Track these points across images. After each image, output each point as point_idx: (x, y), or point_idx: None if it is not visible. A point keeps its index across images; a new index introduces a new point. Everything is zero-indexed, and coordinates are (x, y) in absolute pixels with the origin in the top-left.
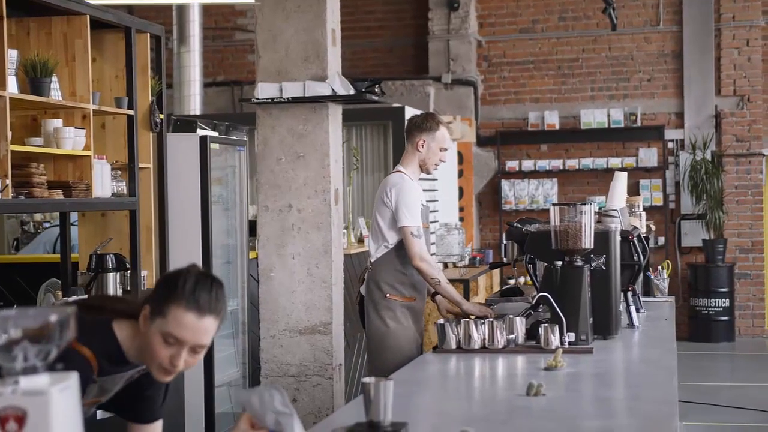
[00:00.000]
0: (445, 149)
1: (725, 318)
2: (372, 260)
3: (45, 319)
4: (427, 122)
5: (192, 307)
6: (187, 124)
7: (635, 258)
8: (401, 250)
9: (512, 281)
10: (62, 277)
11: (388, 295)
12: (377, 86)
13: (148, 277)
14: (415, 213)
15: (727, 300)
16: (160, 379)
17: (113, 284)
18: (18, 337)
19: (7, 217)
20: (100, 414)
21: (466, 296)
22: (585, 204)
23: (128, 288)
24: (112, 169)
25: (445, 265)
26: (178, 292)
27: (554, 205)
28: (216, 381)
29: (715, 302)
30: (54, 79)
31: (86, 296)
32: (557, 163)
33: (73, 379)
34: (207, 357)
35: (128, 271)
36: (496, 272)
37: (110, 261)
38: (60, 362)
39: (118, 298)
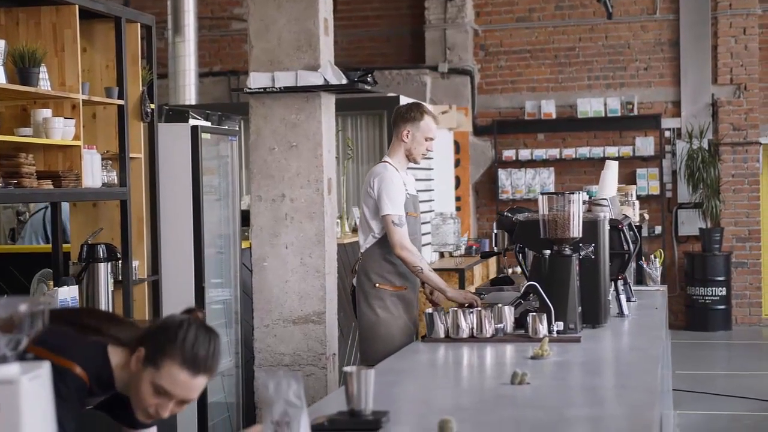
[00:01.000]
0: (431, 138)
1: (722, 307)
2: (362, 251)
3: (14, 309)
4: (411, 112)
5: (188, 366)
6: (179, 114)
7: (625, 247)
8: (388, 239)
9: (509, 270)
10: (54, 267)
11: (377, 284)
12: (369, 75)
13: (140, 267)
14: (397, 202)
15: (724, 289)
16: (142, 421)
17: (104, 274)
18: None
19: (3, 208)
20: None
21: (461, 286)
22: (573, 193)
23: (119, 278)
24: (103, 159)
25: (441, 255)
26: (176, 345)
27: (543, 194)
28: None
29: (712, 291)
30: (43, 69)
31: (85, 308)
32: (554, 153)
33: (44, 368)
34: None
35: (119, 261)
36: (492, 262)
37: (101, 251)
38: (56, 381)
39: (116, 321)
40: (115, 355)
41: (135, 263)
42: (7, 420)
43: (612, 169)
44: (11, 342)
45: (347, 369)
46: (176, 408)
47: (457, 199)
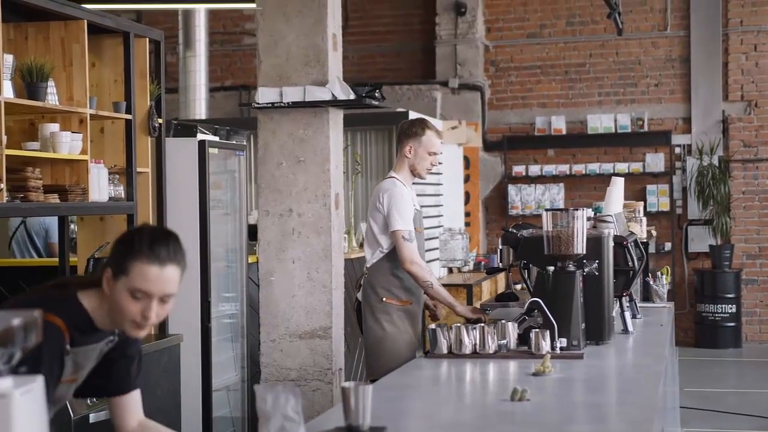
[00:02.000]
0: (434, 153)
1: (732, 324)
2: (368, 265)
3: (8, 323)
4: (413, 128)
5: (153, 259)
6: (187, 129)
7: (630, 264)
8: (396, 254)
9: (518, 286)
10: None
11: (384, 299)
12: (377, 91)
13: None
14: (407, 217)
15: (734, 306)
16: (135, 335)
17: None
18: None
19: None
20: (94, 417)
21: (469, 301)
22: (577, 209)
23: None
24: (110, 174)
25: (450, 270)
26: (135, 248)
27: (547, 210)
28: (214, 385)
29: (722, 308)
30: (50, 83)
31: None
32: (564, 168)
33: (36, 382)
34: (205, 360)
35: None
36: (501, 277)
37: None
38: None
39: (79, 275)
40: (87, 299)
41: None
42: None
43: (618, 186)
44: (4, 356)
45: (345, 384)
46: (161, 309)
47: (467, 214)
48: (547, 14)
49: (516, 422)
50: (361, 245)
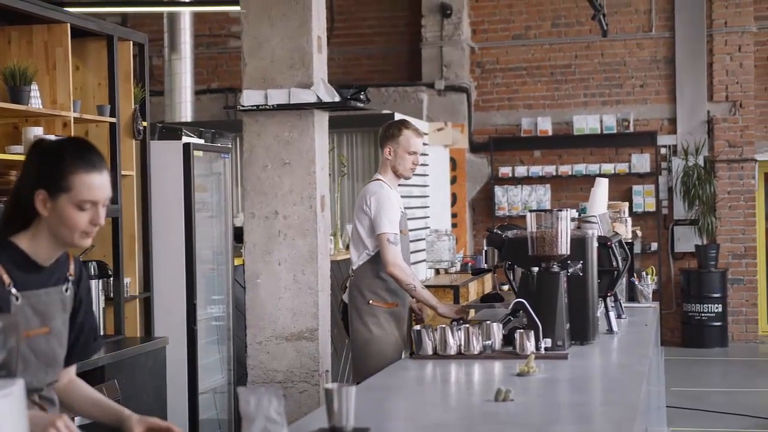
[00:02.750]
0: (414, 152)
1: (718, 323)
2: (354, 267)
3: None
4: (390, 129)
5: (91, 169)
6: (172, 132)
7: (614, 264)
8: None
9: (506, 287)
10: None
11: (370, 301)
12: (362, 93)
13: (131, 284)
14: (393, 221)
15: (720, 305)
16: (83, 245)
17: (96, 291)
18: None
19: None
20: (78, 420)
21: (456, 302)
22: (561, 210)
23: (111, 295)
24: None
25: (437, 272)
26: (69, 162)
27: (531, 211)
28: (200, 387)
29: (708, 308)
30: (34, 87)
31: None
32: (550, 169)
33: (17, 386)
34: (191, 363)
35: (111, 278)
36: (488, 278)
37: (93, 268)
38: None
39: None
40: (20, 240)
41: (127, 280)
42: None
43: (602, 186)
44: None
45: (328, 386)
46: (102, 213)
47: (454, 215)
48: (533, 16)
49: (500, 422)
50: (347, 247)
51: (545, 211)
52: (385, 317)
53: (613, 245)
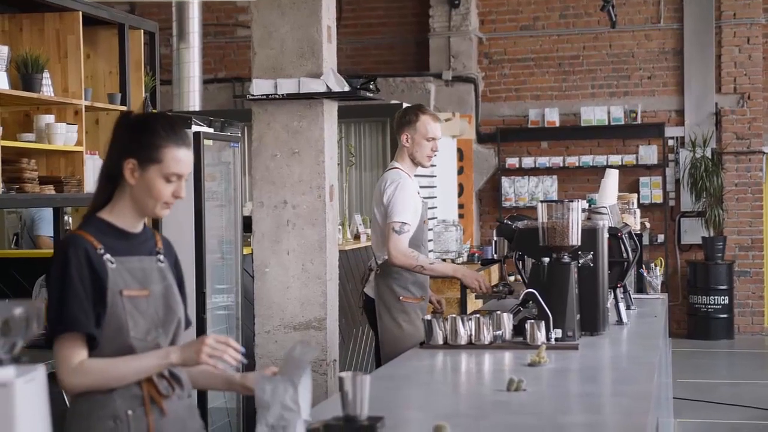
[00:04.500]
0: (433, 138)
1: (724, 315)
2: (379, 262)
3: (9, 313)
4: (406, 116)
5: (180, 144)
6: (182, 120)
7: (624, 255)
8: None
9: (512, 278)
10: None
11: (401, 297)
12: (372, 83)
13: None
14: (406, 210)
15: (727, 297)
16: (162, 215)
17: None
18: None
19: (7, 213)
20: None
21: (462, 292)
22: (572, 201)
23: None
24: None
25: (444, 262)
26: (163, 135)
27: (542, 202)
28: None
29: (715, 300)
30: (46, 75)
31: None
32: (557, 161)
33: (39, 371)
34: None
35: None
36: (495, 268)
37: None
38: (59, 249)
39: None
40: (105, 213)
41: None
42: (2, 422)
43: (612, 178)
44: (6, 345)
45: (342, 374)
46: (184, 186)
47: (461, 206)
48: (541, 6)
49: (512, 412)
50: (355, 237)
51: (556, 201)
52: (415, 313)
53: (623, 236)
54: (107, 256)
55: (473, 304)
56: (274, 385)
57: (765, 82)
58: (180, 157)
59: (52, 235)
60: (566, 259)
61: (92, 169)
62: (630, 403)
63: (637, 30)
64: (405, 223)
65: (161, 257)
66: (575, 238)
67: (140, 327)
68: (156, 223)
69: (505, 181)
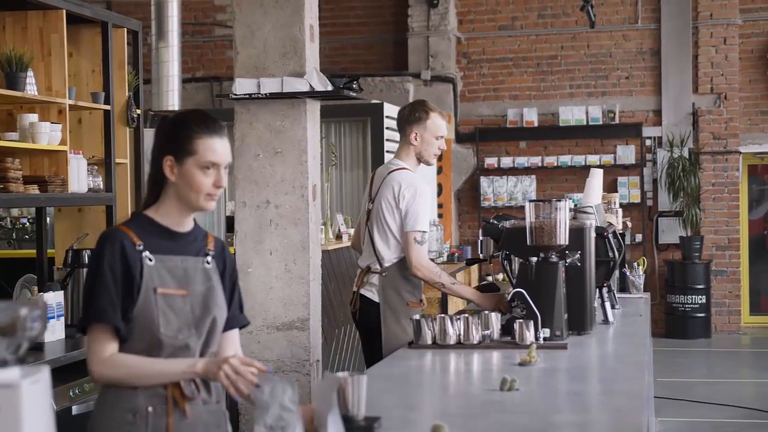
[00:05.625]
0: (441, 137)
1: (702, 314)
2: (386, 264)
3: (15, 313)
4: (415, 112)
5: (213, 134)
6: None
7: (610, 254)
8: None
9: (489, 277)
10: (38, 272)
11: (409, 303)
12: (355, 82)
13: None
14: (424, 219)
15: (704, 297)
16: (208, 207)
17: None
18: None
19: None
20: (76, 409)
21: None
22: (560, 201)
23: None
24: (89, 165)
25: None
26: (195, 129)
27: (530, 201)
28: None
29: (692, 299)
30: (30, 73)
31: None
32: (536, 160)
33: (43, 372)
34: None
35: None
36: (474, 269)
37: (86, 256)
38: (98, 242)
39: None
40: (151, 211)
41: None
42: (7, 423)
43: (597, 177)
44: (11, 346)
45: (340, 374)
46: (225, 176)
47: (440, 206)
48: (519, 6)
49: (506, 411)
50: (337, 237)
51: (544, 201)
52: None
53: (609, 236)
54: (146, 253)
55: (454, 304)
56: (273, 385)
57: (741, 83)
58: (214, 147)
59: None
60: (554, 258)
61: (76, 168)
62: (623, 401)
63: (614, 30)
64: (425, 232)
65: (209, 258)
66: (563, 238)
67: (172, 325)
68: None
69: (484, 181)
